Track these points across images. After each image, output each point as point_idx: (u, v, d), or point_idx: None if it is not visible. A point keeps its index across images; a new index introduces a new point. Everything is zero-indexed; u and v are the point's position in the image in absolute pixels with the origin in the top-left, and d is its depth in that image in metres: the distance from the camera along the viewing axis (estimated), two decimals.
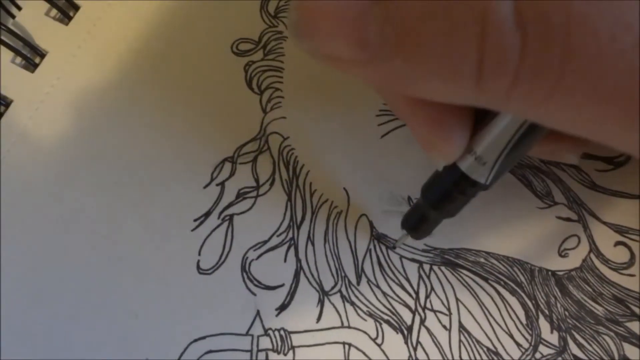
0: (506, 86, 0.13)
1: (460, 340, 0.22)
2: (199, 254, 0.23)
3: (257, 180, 0.24)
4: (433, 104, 0.17)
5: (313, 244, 0.23)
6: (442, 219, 0.20)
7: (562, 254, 0.23)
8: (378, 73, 0.14)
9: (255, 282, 0.23)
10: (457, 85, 0.14)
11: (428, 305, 0.22)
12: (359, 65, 0.14)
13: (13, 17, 0.26)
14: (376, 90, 0.21)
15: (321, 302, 0.22)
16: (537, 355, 0.22)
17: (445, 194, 0.19)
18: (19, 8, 0.27)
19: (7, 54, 0.25)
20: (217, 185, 0.24)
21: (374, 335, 0.22)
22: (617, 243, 0.23)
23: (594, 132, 0.14)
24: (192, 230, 0.23)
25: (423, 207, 0.20)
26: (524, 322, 0.22)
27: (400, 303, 0.22)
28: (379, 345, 0.22)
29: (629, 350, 0.22)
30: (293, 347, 0.22)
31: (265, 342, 0.22)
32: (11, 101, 0.25)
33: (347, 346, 0.22)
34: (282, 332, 0.22)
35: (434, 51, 0.13)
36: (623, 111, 0.13)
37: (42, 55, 0.26)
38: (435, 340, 0.22)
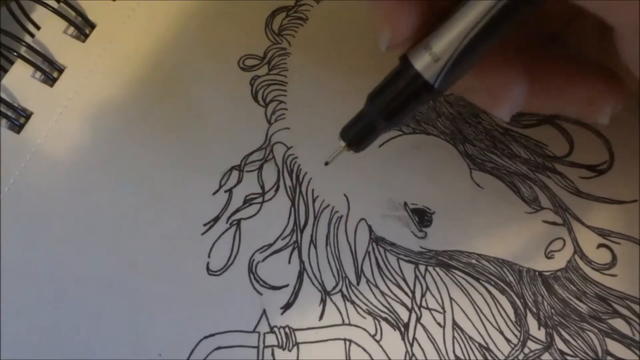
0: None
1: (453, 337, 0.23)
2: (209, 256, 0.24)
3: (262, 187, 0.25)
4: None
5: (315, 247, 0.24)
6: (385, 131, 0.19)
7: (548, 255, 0.23)
8: None
9: (262, 283, 0.23)
10: None
11: (423, 303, 0.23)
12: None
13: (32, 35, 0.28)
14: None
15: (323, 301, 0.23)
16: (526, 351, 0.22)
17: (397, 98, 0.18)
18: (37, 27, 0.28)
19: (28, 69, 0.27)
20: (226, 191, 0.25)
21: (373, 332, 0.23)
22: (600, 245, 0.23)
23: None
24: (202, 234, 0.24)
25: (370, 115, 0.18)
26: (513, 319, 0.23)
27: (397, 302, 0.23)
28: (377, 342, 0.23)
29: (611, 345, 0.22)
30: (297, 344, 0.23)
31: (271, 339, 0.23)
32: (31, 113, 0.26)
33: (347, 342, 0.23)
34: (287, 330, 0.23)
35: None
36: None
37: (61, 70, 0.27)
38: (430, 337, 0.23)
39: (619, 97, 0.19)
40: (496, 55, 0.18)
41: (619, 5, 0.15)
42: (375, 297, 0.23)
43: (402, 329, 0.23)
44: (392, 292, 0.23)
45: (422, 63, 0.16)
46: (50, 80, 0.27)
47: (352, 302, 0.23)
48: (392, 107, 0.18)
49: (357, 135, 0.19)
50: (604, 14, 0.15)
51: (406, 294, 0.23)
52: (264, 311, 0.23)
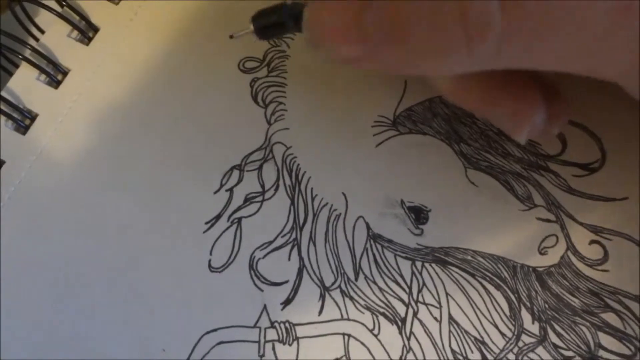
0: (494, 46, 0.15)
1: (450, 331, 0.23)
2: (210, 254, 0.24)
3: (262, 186, 0.25)
4: None
5: (314, 244, 0.24)
6: (291, 32, 0.20)
7: (542, 251, 0.24)
8: (382, 61, 0.16)
9: (262, 279, 0.24)
10: (450, 56, 0.15)
11: (420, 299, 0.23)
12: (365, 59, 0.16)
13: (36, 39, 0.28)
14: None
15: (322, 297, 0.24)
16: (520, 344, 0.23)
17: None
18: (41, 31, 0.29)
19: (33, 72, 0.27)
20: (227, 190, 0.25)
21: (371, 327, 0.23)
22: (592, 242, 0.24)
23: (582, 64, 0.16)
24: (204, 232, 0.25)
25: (284, 15, 0.20)
26: (508, 313, 0.23)
27: (394, 297, 0.24)
28: (375, 336, 0.23)
29: (603, 338, 0.23)
30: (297, 338, 0.23)
31: (271, 334, 0.23)
32: (36, 115, 0.27)
33: (346, 337, 0.23)
34: (287, 325, 0.23)
35: (423, 32, 0.15)
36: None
37: (65, 73, 0.28)
38: (427, 331, 0.23)
39: (543, 117, 0.19)
40: (516, 79, 0.18)
41: (608, 64, 0.16)
42: (373, 293, 0.24)
43: (400, 323, 0.23)
44: (389, 287, 0.24)
45: None
46: (54, 83, 0.27)
47: (351, 298, 0.24)
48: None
49: (266, 26, 0.21)
50: (598, 75, 0.16)
51: (403, 289, 0.24)
52: (265, 307, 0.24)
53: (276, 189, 0.25)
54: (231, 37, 0.22)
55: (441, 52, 0.15)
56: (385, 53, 0.16)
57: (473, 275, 0.24)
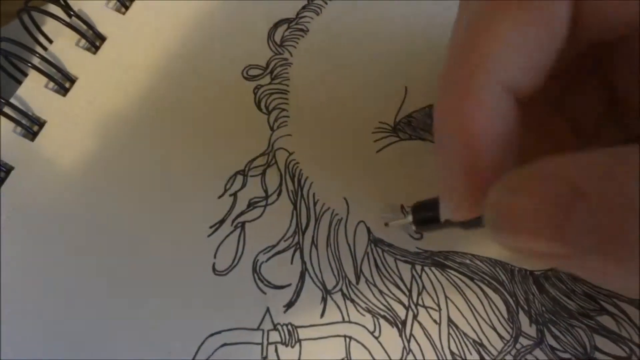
0: None
1: (449, 333, 0.23)
2: (215, 257, 0.25)
3: (266, 191, 0.26)
4: None
5: (317, 248, 0.25)
6: (450, 227, 0.20)
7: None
8: (573, 265, 0.14)
9: (265, 282, 0.24)
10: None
11: (420, 302, 0.24)
12: (557, 258, 0.13)
13: (45, 48, 0.29)
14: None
15: (324, 300, 0.24)
16: (518, 346, 0.23)
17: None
18: (49, 40, 0.29)
19: (42, 80, 0.28)
20: (230, 195, 0.26)
21: (372, 329, 0.23)
22: None
23: None
24: (208, 236, 0.25)
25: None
26: (506, 316, 0.23)
27: (395, 300, 0.24)
28: (376, 338, 0.23)
29: (599, 340, 0.23)
30: (299, 340, 0.23)
31: (274, 336, 0.23)
32: (45, 122, 0.27)
33: (347, 339, 0.23)
34: (289, 327, 0.24)
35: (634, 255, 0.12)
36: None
37: (73, 80, 0.28)
38: (426, 333, 0.23)
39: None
40: None
41: None
42: (374, 296, 0.24)
43: (400, 326, 0.24)
44: (390, 291, 0.24)
45: None
46: (62, 90, 0.28)
47: (352, 301, 0.24)
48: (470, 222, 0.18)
49: (424, 217, 0.21)
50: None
51: (403, 292, 0.24)
52: (268, 309, 0.24)
53: (279, 194, 0.26)
54: (386, 225, 0.24)
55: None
56: (585, 260, 0.13)
57: (471, 279, 0.24)
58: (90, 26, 0.29)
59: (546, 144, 0.19)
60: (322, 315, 0.24)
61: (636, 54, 0.16)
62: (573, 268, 0.14)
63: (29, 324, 0.24)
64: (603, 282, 0.14)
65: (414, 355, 0.23)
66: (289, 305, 0.24)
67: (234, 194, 0.26)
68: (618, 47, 0.17)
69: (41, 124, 0.27)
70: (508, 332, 0.23)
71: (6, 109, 0.27)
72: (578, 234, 0.13)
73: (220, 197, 0.26)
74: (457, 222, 0.19)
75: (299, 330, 0.24)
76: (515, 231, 0.14)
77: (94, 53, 0.29)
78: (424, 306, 0.24)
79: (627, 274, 0.12)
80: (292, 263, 0.25)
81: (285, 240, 0.25)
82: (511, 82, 0.15)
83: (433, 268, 0.24)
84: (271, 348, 0.23)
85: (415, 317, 0.24)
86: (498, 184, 0.14)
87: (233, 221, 0.25)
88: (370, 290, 0.24)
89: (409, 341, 0.23)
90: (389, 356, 0.23)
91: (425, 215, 0.21)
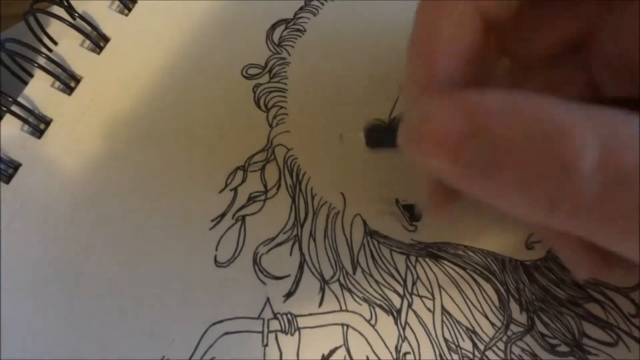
0: (576, 221, 0.13)
1: (442, 321, 0.24)
2: (216, 250, 0.25)
3: (265, 186, 0.26)
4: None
5: (314, 240, 0.25)
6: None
7: (529, 246, 0.25)
8: (466, 184, 0.15)
9: (265, 273, 0.25)
10: (532, 210, 0.14)
11: (414, 291, 0.24)
12: (453, 176, 0.15)
13: (49, 49, 0.30)
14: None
15: (322, 290, 0.25)
16: (509, 333, 0.24)
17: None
18: (53, 41, 0.30)
19: (48, 80, 0.28)
20: (231, 190, 0.26)
21: (368, 318, 0.24)
22: None
23: None
24: (210, 229, 0.26)
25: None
26: (497, 304, 0.24)
27: (390, 289, 0.24)
28: (372, 326, 0.24)
29: (587, 327, 0.24)
30: (299, 329, 0.24)
31: (274, 325, 0.24)
32: (51, 120, 0.28)
33: (345, 327, 0.24)
34: (289, 316, 0.24)
35: (519, 181, 0.14)
36: None
37: (78, 80, 0.29)
38: (421, 321, 0.24)
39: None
40: None
41: None
42: (370, 286, 0.25)
43: (395, 314, 0.24)
44: (385, 280, 0.25)
45: None
46: (68, 90, 0.29)
47: (349, 290, 0.25)
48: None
49: (377, 138, 0.21)
50: None
51: (398, 282, 0.25)
52: (268, 299, 0.24)
53: (278, 189, 0.26)
54: (341, 136, 0.24)
55: (528, 204, 0.14)
56: (477, 179, 0.14)
57: (464, 269, 0.25)
58: (94, 27, 0.29)
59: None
60: (320, 304, 0.24)
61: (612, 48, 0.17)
62: (459, 184, 0.15)
63: (30, 323, 0.25)
64: (481, 197, 0.15)
65: (409, 342, 0.24)
66: (289, 295, 0.25)
67: (235, 189, 0.26)
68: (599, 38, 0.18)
69: (47, 122, 0.28)
70: (499, 320, 0.24)
71: (14, 108, 0.28)
72: (470, 158, 0.14)
73: (221, 191, 0.26)
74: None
75: (298, 319, 0.24)
76: (420, 148, 0.15)
77: (98, 54, 0.29)
78: (418, 295, 0.24)
79: (503, 192, 0.14)
80: (291, 255, 0.25)
81: (284, 233, 0.26)
82: (483, 5, 0.16)
83: (427, 259, 0.25)
84: (271, 336, 0.24)
85: (410, 305, 0.24)
86: (431, 94, 0.16)
87: (234, 215, 0.26)
88: (367, 280, 0.25)
89: (404, 329, 0.24)
90: (385, 343, 0.24)
91: (376, 136, 0.21)
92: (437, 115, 0.15)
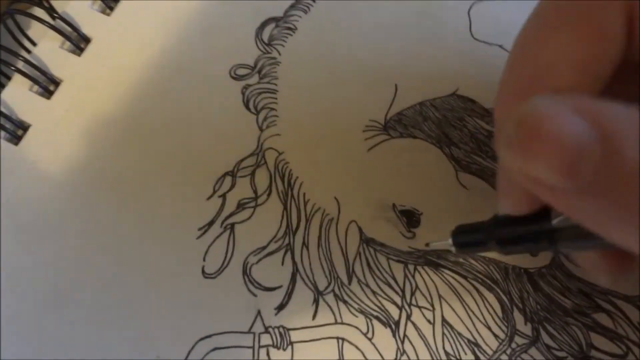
0: None
1: (443, 333, 0.23)
2: (204, 260, 0.24)
3: (255, 192, 0.26)
4: None
5: (308, 249, 0.25)
6: (491, 250, 0.20)
7: (533, 253, 0.24)
8: (574, 205, 0.13)
9: (256, 284, 0.24)
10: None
11: (413, 302, 0.24)
12: (559, 193, 0.13)
13: (28, 51, 0.29)
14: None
15: (316, 301, 0.24)
16: (513, 345, 0.23)
17: (519, 237, 0.18)
18: (33, 43, 0.29)
19: (26, 83, 0.27)
20: (219, 197, 0.25)
21: (365, 330, 0.23)
22: None
23: None
24: (197, 238, 0.25)
25: (486, 235, 0.19)
26: (500, 315, 0.23)
27: (388, 300, 0.24)
28: (369, 339, 0.23)
29: (595, 338, 0.23)
30: (292, 343, 0.23)
31: (266, 339, 0.23)
32: (29, 125, 0.27)
33: (340, 341, 0.23)
34: (281, 330, 0.23)
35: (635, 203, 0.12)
36: None
37: (57, 83, 0.28)
38: (420, 334, 0.23)
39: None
40: None
41: None
42: (367, 296, 0.24)
43: (393, 326, 0.23)
44: (382, 291, 0.24)
45: (560, 221, 0.16)
46: (47, 93, 0.28)
47: (344, 302, 0.24)
48: (510, 238, 0.19)
49: (465, 241, 0.21)
50: None
51: (396, 292, 0.24)
52: (259, 312, 0.24)
53: (269, 195, 0.26)
54: (427, 245, 0.24)
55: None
56: (589, 199, 0.13)
57: (465, 278, 0.24)
58: (74, 28, 0.28)
59: None
60: (314, 317, 0.24)
61: None
62: (566, 204, 0.14)
63: (18, 326, 0.24)
64: (597, 228, 0.14)
65: (407, 356, 0.23)
66: (280, 307, 0.24)
67: (223, 195, 0.26)
68: None
69: (25, 127, 0.27)
70: (503, 331, 0.23)
71: None
72: (589, 173, 0.12)
73: (209, 198, 0.26)
74: (495, 245, 0.19)
75: (291, 332, 0.23)
76: (530, 151, 0.13)
77: (79, 55, 0.28)
78: (417, 306, 0.24)
79: (623, 223, 0.13)
80: (282, 264, 0.24)
81: (275, 242, 0.25)
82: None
83: (426, 267, 0.24)
84: (263, 351, 0.23)
85: (408, 317, 0.24)
86: (535, 100, 0.14)
87: (222, 223, 0.25)
88: (363, 290, 0.24)
89: (402, 342, 0.23)
90: (382, 357, 0.23)
91: (465, 239, 0.21)
92: (557, 116, 0.13)
